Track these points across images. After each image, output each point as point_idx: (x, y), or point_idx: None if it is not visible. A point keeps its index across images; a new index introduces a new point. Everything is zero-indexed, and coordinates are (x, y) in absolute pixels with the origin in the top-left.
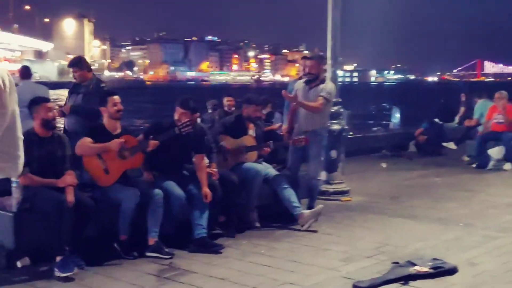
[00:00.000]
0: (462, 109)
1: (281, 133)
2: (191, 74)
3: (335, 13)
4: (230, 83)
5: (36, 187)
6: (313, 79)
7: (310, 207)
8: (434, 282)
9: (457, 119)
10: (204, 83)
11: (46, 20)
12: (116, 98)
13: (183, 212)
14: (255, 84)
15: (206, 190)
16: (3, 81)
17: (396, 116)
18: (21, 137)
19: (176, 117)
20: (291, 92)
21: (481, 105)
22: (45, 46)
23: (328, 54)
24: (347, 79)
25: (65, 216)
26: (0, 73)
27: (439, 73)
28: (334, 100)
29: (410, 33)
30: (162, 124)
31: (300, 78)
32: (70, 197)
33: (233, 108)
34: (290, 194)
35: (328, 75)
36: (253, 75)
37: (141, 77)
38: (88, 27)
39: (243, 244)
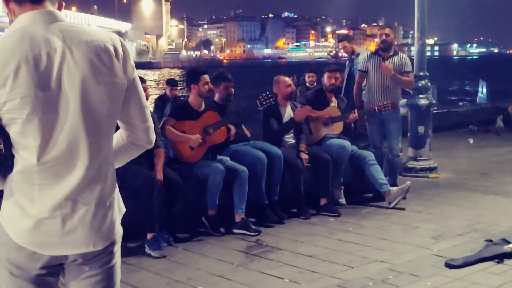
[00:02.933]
0: None
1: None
2: (267, 51)
3: None
4: (307, 60)
5: (126, 164)
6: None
7: (392, 184)
8: None
9: None
10: (281, 60)
11: (125, 0)
12: (207, 77)
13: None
14: (332, 60)
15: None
16: (115, 49)
17: (483, 90)
18: (147, 105)
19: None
20: (352, 69)
21: None
22: (123, 26)
23: (416, 26)
24: (428, 53)
25: (155, 193)
26: (113, 41)
27: None
28: (421, 74)
29: (492, 4)
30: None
31: (358, 54)
32: (159, 175)
33: (314, 84)
34: (377, 171)
35: (415, 48)
36: (330, 51)
37: (218, 55)
38: (165, 6)
39: (330, 221)
